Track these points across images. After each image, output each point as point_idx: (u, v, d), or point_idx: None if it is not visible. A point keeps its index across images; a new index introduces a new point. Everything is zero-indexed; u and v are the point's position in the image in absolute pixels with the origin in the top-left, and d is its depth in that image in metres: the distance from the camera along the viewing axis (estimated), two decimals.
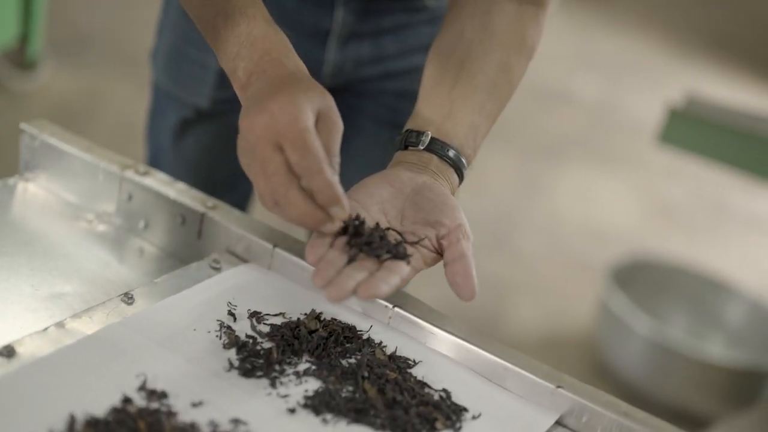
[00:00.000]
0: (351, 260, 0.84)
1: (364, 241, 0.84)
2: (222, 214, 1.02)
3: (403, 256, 0.86)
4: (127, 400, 0.74)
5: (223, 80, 1.21)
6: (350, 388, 0.82)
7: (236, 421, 0.75)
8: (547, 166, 3.67)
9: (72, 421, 0.71)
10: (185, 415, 0.75)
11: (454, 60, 0.95)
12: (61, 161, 1.07)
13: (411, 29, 1.22)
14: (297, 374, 0.83)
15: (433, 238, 0.87)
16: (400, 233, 0.88)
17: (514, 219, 3.26)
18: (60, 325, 0.83)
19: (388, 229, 0.88)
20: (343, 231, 0.86)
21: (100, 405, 0.73)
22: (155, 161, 1.29)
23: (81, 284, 0.94)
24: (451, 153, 0.92)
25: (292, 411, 0.78)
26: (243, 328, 0.88)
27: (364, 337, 0.90)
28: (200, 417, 0.75)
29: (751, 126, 2.03)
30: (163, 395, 0.76)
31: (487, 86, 0.94)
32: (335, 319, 0.91)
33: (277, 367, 0.83)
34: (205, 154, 1.26)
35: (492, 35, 0.95)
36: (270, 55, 0.85)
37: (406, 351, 0.89)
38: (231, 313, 0.90)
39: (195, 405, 0.76)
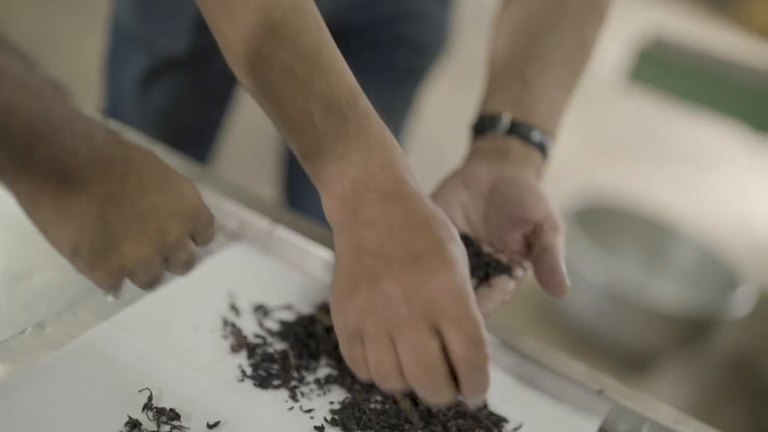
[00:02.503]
0: None
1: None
2: (210, 183, 0.90)
3: (503, 271, 0.75)
4: (134, 424, 0.64)
5: (201, 24, 1.07)
6: (378, 398, 0.73)
7: None
8: (461, 87, 3.58)
9: None
10: None
11: (524, 35, 0.84)
12: None
13: None
14: (318, 383, 0.73)
15: (521, 240, 0.77)
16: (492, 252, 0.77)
17: (457, 153, 3.17)
18: (40, 326, 0.71)
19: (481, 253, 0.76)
20: None
21: (103, 431, 0.62)
22: (114, 111, 1.14)
23: (54, 270, 0.81)
24: (535, 134, 0.80)
25: (319, 430, 0.69)
26: (248, 325, 0.78)
27: None
28: None
29: (714, 67, 2.02)
30: (174, 416, 0.65)
31: (563, 60, 0.83)
32: None
33: (295, 374, 0.73)
34: (176, 106, 1.12)
35: (562, 4, 0.84)
36: (391, 170, 0.63)
37: None
38: (233, 307, 0.79)
39: (211, 427, 0.66)
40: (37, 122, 0.55)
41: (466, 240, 0.76)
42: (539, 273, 0.74)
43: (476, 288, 0.74)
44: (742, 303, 2.20)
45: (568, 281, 0.73)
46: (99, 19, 2.77)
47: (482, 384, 0.60)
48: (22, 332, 0.70)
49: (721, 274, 2.36)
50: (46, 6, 3.08)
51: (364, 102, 0.66)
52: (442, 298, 0.59)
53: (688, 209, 2.98)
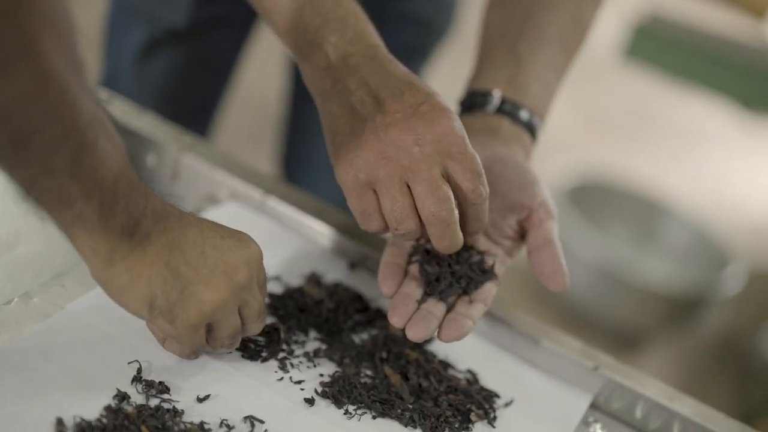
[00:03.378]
0: (426, 296, 0.71)
1: (436, 276, 0.71)
2: (202, 153, 0.89)
3: (486, 280, 0.72)
4: (122, 397, 0.63)
5: None
6: (369, 372, 0.72)
7: (251, 420, 0.65)
8: (467, 65, 3.56)
9: (60, 428, 0.59)
10: (192, 413, 0.64)
11: (519, 11, 0.81)
12: None
13: None
14: (307, 356, 0.72)
15: (515, 224, 0.75)
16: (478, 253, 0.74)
17: None
18: (27, 296, 0.70)
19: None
20: (414, 249, 0.73)
21: (91, 403, 0.61)
22: (112, 83, 1.12)
23: (40, 239, 0.80)
24: (524, 114, 0.79)
25: (310, 402, 0.68)
26: None
27: (374, 306, 0.80)
28: (209, 415, 0.64)
29: (708, 44, 2.02)
30: (163, 389, 0.65)
31: (557, 39, 0.81)
32: (339, 285, 0.81)
33: (284, 347, 0.72)
34: (174, 79, 1.11)
35: None
36: (366, 37, 0.69)
37: None
38: None
39: (201, 400, 0.65)
40: (123, 176, 0.57)
41: (436, 258, 0.72)
42: (539, 267, 0.73)
43: (453, 306, 0.71)
44: (732, 282, 2.20)
45: (567, 274, 0.73)
46: None
47: (485, 216, 0.68)
48: (8, 302, 0.69)
49: (711, 252, 2.36)
50: None
51: None
52: (447, 140, 0.65)
53: (680, 187, 2.98)
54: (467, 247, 0.72)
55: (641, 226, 2.47)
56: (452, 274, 0.71)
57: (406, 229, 0.66)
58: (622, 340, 2.28)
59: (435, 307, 0.70)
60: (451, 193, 0.65)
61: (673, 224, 2.44)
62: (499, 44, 0.81)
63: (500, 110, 0.78)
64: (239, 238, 0.65)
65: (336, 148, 0.68)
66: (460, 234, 0.67)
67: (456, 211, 0.66)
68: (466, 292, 0.71)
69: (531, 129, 0.79)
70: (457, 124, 0.66)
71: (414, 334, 0.68)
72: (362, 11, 0.72)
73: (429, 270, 0.71)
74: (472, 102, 0.80)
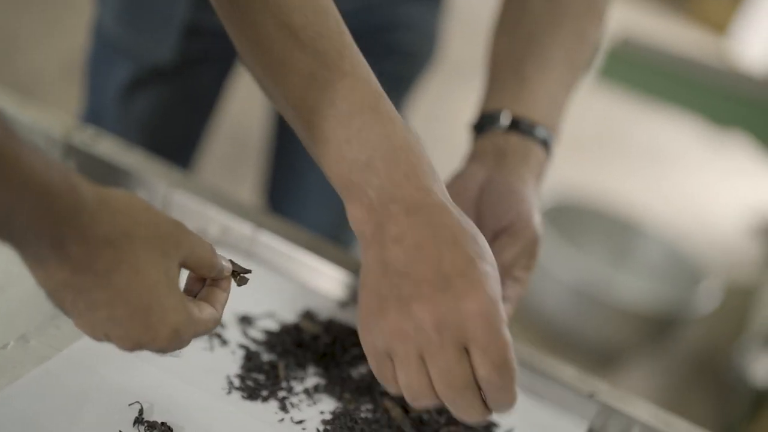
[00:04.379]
0: None
1: None
2: (191, 189, 0.88)
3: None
4: None
5: (189, 33, 1.05)
6: (369, 407, 0.72)
7: None
8: (449, 93, 3.59)
9: None
10: None
11: (523, 34, 0.82)
12: None
13: None
14: (307, 392, 0.72)
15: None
16: None
17: (447, 157, 3.16)
18: (23, 339, 0.69)
19: None
20: None
21: None
22: (95, 118, 1.12)
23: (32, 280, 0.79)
24: (534, 128, 0.78)
25: None
26: (233, 336, 0.76)
27: None
28: None
29: (678, 66, 2.06)
30: (166, 429, 0.64)
31: (563, 58, 0.82)
32: (334, 321, 0.81)
33: (284, 385, 0.72)
34: (158, 115, 1.10)
35: (562, 4, 0.83)
36: (416, 178, 0.61)
37: None
38: None
39: None
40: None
41: None
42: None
43: None
44: (707, 299, 2.23)
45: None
46: (61, 14, 2.71)
47: (507, 402, 0.60)
48: (4, 346, 0.68)
49: (686, 270, 2.38)
50: (4, 0, 3.02)
51: (387, 105, 0.63)
52: (472, 322, 0.58)
53: (654, 206, 3.01)
54: None
55: (616, 245, 2.50)
56: None
57: (422, 407, 0.62)
58: (599, 359, 2.29)
59: None
60: (470, 381, 0.59)
61: (647, 243, 2.47)
62: (506, 67, 0.82)
63: (510, 128, 0.78)
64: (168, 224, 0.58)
65: (361, 304, 0.62)
66: (482, 409, 0.61)
67: (475, 395, 0.60)
68: None
69: (543, 142, 0.79)
70: (489, 304, 0.58)
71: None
72: (418, 141, 0.64)
73: None
74: (483, 124, 0.80)
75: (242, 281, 0.64)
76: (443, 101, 2.94)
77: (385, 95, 0.64)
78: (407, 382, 0.60)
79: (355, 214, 0.63)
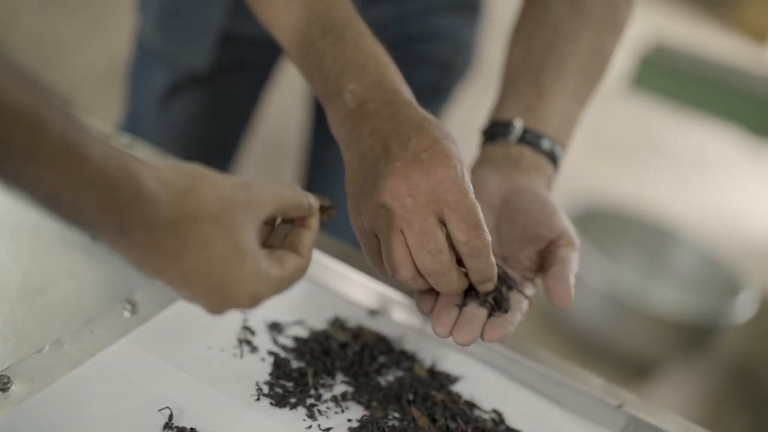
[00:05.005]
0: (464, 304, 0.72)
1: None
2: None
3: (516, 286, 0.74)
4: None
5: (224, 41, 1.06)
6: (396, 415, 0.73)
7: None
8: (486, 101, 3.58)
9: None
10: None
11: (540, 42, 0.83)
12: None
13: None
14: (335, 400, 0.73)
15: (534, 256, 0.76)
16: (507, 275, 0.74)
17: None
18: (58, 344, 0.71)
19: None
20: None
21: None
22: (135, 125, 1.14)
23: (70, 284, 0.81)
24: (546, 143, 0.79)
25: None
26: (263, 343, 0.77)
27: (398, 349, 0.81)
28: None
29: (714, 72, 2.04)
30: None
31: (578, 71, 0.82)
32: (363, 328, 0.81)
33: (312, 392, 0.73)
34: (196, 122, 1.12)
35: (582, 14, 0.83)
36: (385, 83, 0.70)
37: (445, 363, 0.80)
38: (246, 327, 0.78)
39: None
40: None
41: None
42: (547, 279, 0.73)
43: (491, 314, 0.71)
44: (743, 308, 2.20)
45: (573, 292, 0.72)
46: (100, 21, 2.74)
47: (486, 269, 0.67)
48: (40, 351, 0.70)
49: (721, 279, 2.36)
50: (45, 7, 3.05)
51: (359, 24, 0.73)
52: (442, 188, 0.64)
53: (689, 214, 2.98)
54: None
55: (651, 253, 2.48)
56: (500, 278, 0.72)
57: (402, 278, 0.66)
58: (633, 369, 2.28)
59: (477, 310, 0.70)
60: (444, 245, 0.65)
61: (682, 251, 2.45)
62: (522, 76, 0.82)
63: (522, 140, 0.79)
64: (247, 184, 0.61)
65: (349, 196, 0.70)
66: (461, 281, 0.67)
67: (451, 262, 0.65)
68: (500, 306, 0.72)
69: (553, 158, 0.80)
70: (456, 171, 0.65)
71: (462, 338, 0.68)
72: (386, 55, 0.73)
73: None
74: (494, 132, 0.81)
75: (330, 215, 0.69)
76: (481, 109, 2.93)
77: (358, 17, 0.74)
78: (387, 252, 0.66)
79: (334, 119, 0.72)
